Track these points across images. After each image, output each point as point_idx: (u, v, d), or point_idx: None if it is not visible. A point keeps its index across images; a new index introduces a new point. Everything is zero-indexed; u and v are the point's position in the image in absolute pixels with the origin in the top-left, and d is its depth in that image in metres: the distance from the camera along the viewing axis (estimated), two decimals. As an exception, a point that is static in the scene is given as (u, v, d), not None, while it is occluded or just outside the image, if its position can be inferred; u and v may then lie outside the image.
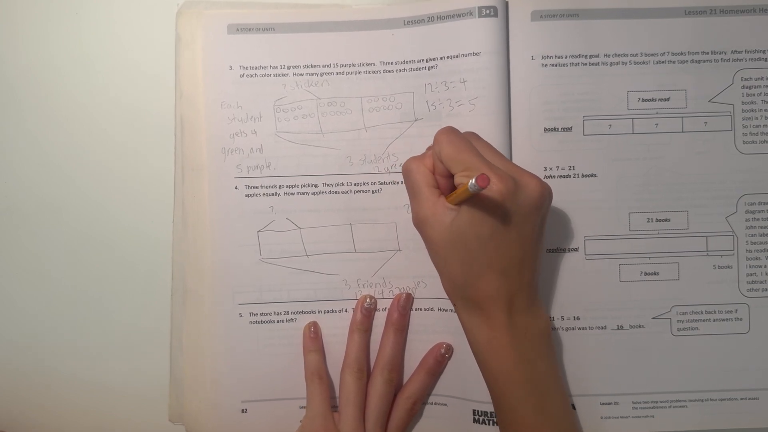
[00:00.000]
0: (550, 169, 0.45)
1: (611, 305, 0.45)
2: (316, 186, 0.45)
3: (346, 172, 0.45)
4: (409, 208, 0.45)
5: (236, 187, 0.45)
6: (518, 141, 0.45)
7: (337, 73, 0.45)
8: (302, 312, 0.46)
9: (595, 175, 0.45)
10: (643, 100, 0.45)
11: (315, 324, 0.46)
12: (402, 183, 0.45)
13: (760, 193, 0.45)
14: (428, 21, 0.45)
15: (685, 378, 0.45)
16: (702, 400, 0.45)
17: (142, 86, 0.47)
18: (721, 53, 0.45)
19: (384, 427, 0.44)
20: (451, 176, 0.39)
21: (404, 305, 0.45)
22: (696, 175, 0.45)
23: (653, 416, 0.45)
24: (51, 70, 0.47)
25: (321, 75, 0.45)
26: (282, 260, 0.45)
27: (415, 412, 0.45)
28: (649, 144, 0.45)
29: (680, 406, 0.45)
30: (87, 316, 0.47)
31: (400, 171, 0.45)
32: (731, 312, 0.45)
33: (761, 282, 0.45)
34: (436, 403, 0.46)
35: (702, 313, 0.45)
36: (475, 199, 0.37)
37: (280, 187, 0.45)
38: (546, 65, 0.45)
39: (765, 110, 0.45)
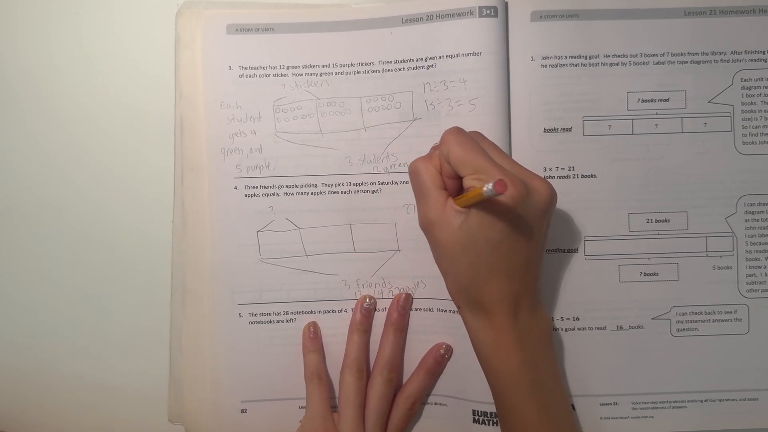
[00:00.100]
0: (550, 169, 0.45)
1: (611, 306, 0.45)
2: (315, 186, 0.45)
3: (346, 172, 0.45)
4: (409, 208, 0.45)
5: (236, 187, 0.45)
6: (518, 141, 0.45)
7: (336, 73, 0.45)
8: (302, 312, 0.46)
9: (595, 176, 0.45)
10: (643, 101, 0.45)
11: (314, 324, 0.46)
12: (402, 183, 0.45)
13: (760, 193, 0.45)
14: (427, 19, 0.45)
15: (685, 378, 0.45)
16: (701, 401, 0.45)
17: (141, 86, 0.47)
18: (720, 54, 0.45)
19: (383, 427, 0.44)
20: (458, 177, 0.39)
21: (404, 305, 0.45)
22: (695, 176, 0.45)
23: (653, 417, 0.45)
24: (51, 70, 0.47)
25: (320, 75, 0.45)
26: (281, 260, 0.45)
27: (414, 412, 0.45)
28: (648, 144, 0.45)
29: (680, 407, 0.45)
30: (87, 316, 0.47)
31: (400, 171, 0.45)
32: (731, 313, 0.45)
33: (761, 283, 0.45)
34: (435, 403, 0.46)
35: (701, 313, 0.45)
36: (486, 203, 0.37)
37: (279, 188, 0.45)
38: (546, 66, 0.45)
39: (764, 111, 0.45)
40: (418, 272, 0.45)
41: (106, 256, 0.47)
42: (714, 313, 0.45)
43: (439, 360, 0.45)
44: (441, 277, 0.42)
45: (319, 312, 0.46)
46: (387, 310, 0.45)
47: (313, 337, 0.45)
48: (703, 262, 0.45)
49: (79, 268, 0.47)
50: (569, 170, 0.45)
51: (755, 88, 0.45)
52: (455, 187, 0.40)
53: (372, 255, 0.45)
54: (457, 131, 0.39)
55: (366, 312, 0.45)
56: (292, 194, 0.45)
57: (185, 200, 0.46)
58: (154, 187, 0.47)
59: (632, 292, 0.45)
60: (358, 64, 0.45)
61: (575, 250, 0.45)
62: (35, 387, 0.47)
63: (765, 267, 0.45)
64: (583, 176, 0.45)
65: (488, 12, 0.44)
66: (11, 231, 0.47)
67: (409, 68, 0.45)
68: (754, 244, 0.45)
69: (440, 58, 0.45)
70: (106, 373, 0.47)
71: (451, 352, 0.45)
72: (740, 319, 0.45)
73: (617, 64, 0.45)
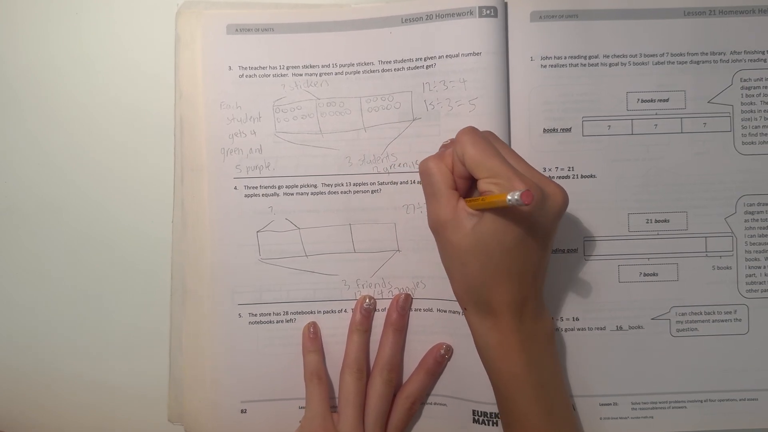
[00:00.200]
0: (550, 169, 0.45)
1: (610, 306, 0.45)
2: (315, 186, 0.45)
3: (346, 173, 0.45)
4: (409, 208, 0.45)
5: (235, 188, 0.45)
6: (517, 142, 0.45)
7: (336, 73, 0.45)
8: (301, 312, 0.46)
9: (595, 176, 0.45)
10: (643, 101, 0.45)
11: (314, 324, 0.46)
12: (401, 183, 0.45)
13: (760, 193, 0.45)
14: (427, 19, 0.45)
15: (685, 379, 0.45)
16: (701, 401, 0.45)
17: (141, 86, 0.47)
18: (720, 54, 0.45)
19: (383, 427, 0.44)
20: (470, 178, 0.39)
21: (403, 305, 0.45)
22: (695, 176, 0.45)
23: (652, 417, 0.45)
24: (51, 70, 0.47)
25: (320, 75, 0.45)
26: (281, 260, 0.45)
27: (414, 412, 0.45)
28: (648, 145, 0.45)
29: (679, 407, 0.45)
30: (87, 316, 0.47)
31: (400, 171, 0.45)
32: (730, 313, 0.45)
33: (760, 283, 0.45)
34: (435, 404, 0.46)
35: (701, 314, 0.45)
36: (502, 208, 0.36)
37: (279, 188, 0.45)
38: (545, 66, 0.45)
39: (764, 111, 0.45)
40: (418, 272, 0.45)
41: (106, 256, 0.47)
42: (714, 313, 0.45)
43: (439, 360, 0.45)
44: (441, 277, 0.42)
45: (318, 312, 0.46)
46: (386, 310, 0.45)
47: (313, 337, 0.45)
48: (702, 262, 0.45)
49: (79, 268, 0.47)
50: (569, 170, 0.45)
51: (755, 88, 0.45)
52: (466, 187, 0.40)
53: (372, 255, 0.45)
54: (472, 131, 0.39)
55: (366, 312, 0.45)
56: (292, 194, 0.45)
57: (185, 200, 0.46)
58: (154, 187, 0.47)
59: (632, 293, 0.45)
60: (358, 64, 0.45)
61: (575, 251, 0.45)
62: (35, 387, 0.47)
63: (764, 267, 0.45)
64: (582, 176, 0.45)
65: (488, 12, 0.44)
66: (11, 231, 0.47)
67: (408, 68, 0.45)
68: (753, 244, 0.45)
69: (440, 58, 0.45)
70: (106, 373, 0.47)
71: (452, 352, 0.45)
72: (740, 320, 0.45)
73: (617, 64, 0.45)
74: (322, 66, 0.45)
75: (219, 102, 0.45)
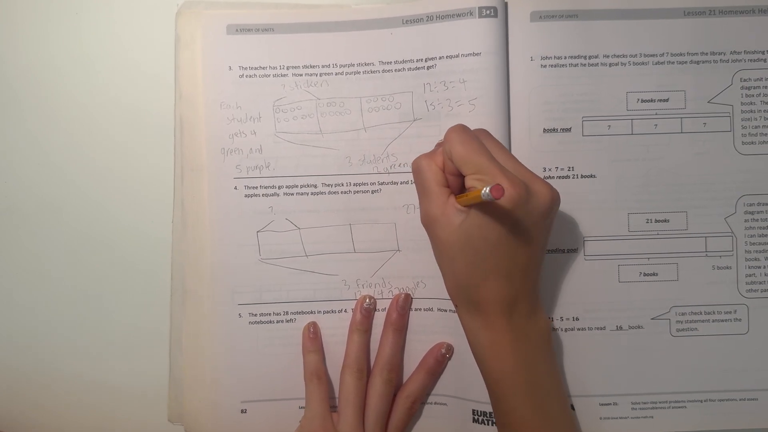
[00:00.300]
0: (550, 169, 0.45)
1: (610, 306, 0.45)
2: (315, 186, 0.45)
3: (346, 173, 0.45)
4: (409, 208, 0.45)
5: (236, 188, 0.45)
6: (517, 142, 0.45)
7: (336, 74, 0.45)
8: (302, 312, 0.46)
9: (594, 176, 0.45)
10: (643, 101, 0.45)
11: (314, 324, 0.46)
12: (401, 183, 0.45)
13: (759, 193, 0.45)
14: (427, 20, 0.45)
15: (685, 379, 0.45)
16: (701, 401, 0.45)
17: (141, 86, 0.47)
18: (720, 54, 0.45)
19: (383, 427, 0.44)
20: (461, 175, 0.39)
21: (403, 305, 0.45)
22: (695, 176, 0.45)
23: (652, 417, 0.45)
24: (51, 70, 0.47)
25: (320, 75, 0.45)
26: (281, 260, 0.45)
27: (414, 412, 0.45)
28: (648, 145, 0.45)
29: (679, 407, 0.45)
30: (87, 316, 0.47)
31: (400, 171, 0.45)
32: (730, 313, 0.45)
33: (760, 283, 0.45)
34: (435, 403, 0.46)
35: (701, 313, 0.45)
36: (486, 204, 0.37)
37: (279, 188, 0.45)
38: (545, 66, 0.45)
39: (764, 111, 0.45)
40: (418, 272, 0.45)
41: (106, 256, 0.47)
42: (713, 313, 0.45)
43: (440, 360, 0.45)
44: (441, 277, 0.42)
45: (318, 312, 0.46)
46: (386, 310, 0.45)
47: (313, 337, 0.45)
48: (702, 262, 0.45)
49: (79, 268, 0.47)
50: (569, 170, 0.45)
51: (755, 88, 0.45)
52: (458, 184, 0.40)
53: (372, 255, 0.45)
54: (461, 129, 0.39)
55: (366, 312, 0.45)
56: (292, 194, 0.45)
57: (185, 200, 0.46)
58: (154, 187, 0.47)
59: (632, 292, 0.45)
60: (358, 65, 0.45)
61: (575, 251, 0.45)
62: (35, 387, 0.47)
63: (764, 267, 0.45)
64: (582, 176, 0.45)
65: (488, 12, 0.44)
66: (11, 231, 0.47)
67: (409, 69, 0.45)
68: (753, 244, 0.45)
69: (440, 58, 0.45)
70: (106, 373, 0.47)
71: (452, 351, 0.45)
72: (740, 319, 0.45)
73: (617, 64, 0.45)
74: (323, 66, 0.45)
75: (219, 102, 0.45)
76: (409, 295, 0.45)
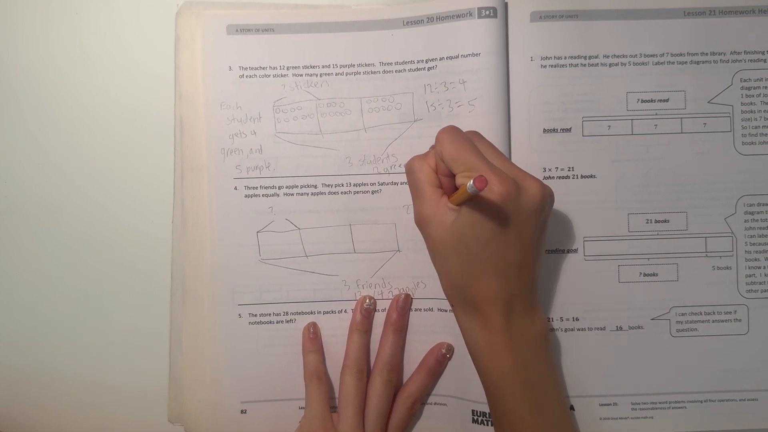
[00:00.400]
0: (550, 170, 0.45)
1: (610, 306, 0.45)
2: (315, 187, 0.45)
3: (346, 173, 0.45)
4: (409, 208, 0.45)
5: (236, 188, 0.45)
6: (517, 142, 0.45)
7: (336, 74, 0.45)
8: (302, 312, 0.46)
9: (595, 176, 0.45)
10: (643, 101, 0.45)
11: (314, 324, 0.46)
12: (402, 183, 0.45)
13: (759, 194, 0.45)
14: (428, 21, 0.45)
15: (685, 379, 0.45)
16: (701, 401, 0.45)
17: (141, 86, 0.47)
18: (720, 54, 0.45)
19: (383, 427, 0.44)
20: (453, 176, 0.39)
21: (403, 306, 0.45)
22: (695, 176, 0.45)
23: (652, 417, 0.45)
24: (51, 70, 0.47)
25: (320, 76, 0.45)
26: (281, 261, 0.45)
27: (414, 412, 0.45)
28: (648, 145, 0.45)
29: (679, 407, 0.45)
30: (87, 316, 0.47)
31: (400, 171, 0.45)
32: (730, 313, 0.45)
33: (760, 283, 0.45)
34: (435, 403, 0.46)
35: (701, 314, 0.45)
36: (476, 201, 0.37)
37: (279, 188, 0.45)
38: (545, 66, 0.45)
39: (764, 111, 0.45)
40: (418, 272, 0.45)
41: (106, 256, 0.47)
42: (713, 313, 0.45)
43: (440, 360, 0.45)
44: (440, 277, 0.42)
45: (318, 312, 0.46)
46: (386, 310, 0.45)
47: (313, 337, 0.45)
48: (702, 262, 0.45)
49: (79, 268, 0.47)
50: (569, 171, 0.45)
51: (755, 88, 0.45)
52: (451, 185, 0.40)
53: (372, 255, 0.45)
54: (452, 130, 0.40)
55: (366, 312, 0.45)
56: (292, 195, 0.45)
57: (185, 200, 0.46)
58: (154, 187, 0.47)
59: (632, 293, 0.45)
60: (359, 65, 0.45)
61: (575, 251, 0.45)
62: (35, 387, 0.47)
63: (764, 267, 0.45)
64: (582, 177, 0.45)
65: (487, 13, 0.44)
66: (11, 231, 0.47)
67: (409, 69, 0.45)
68: (753, 244, 0.45)
69: (441, 59, 0.45)
70: (106, 373, 0.47)
71: (452, 351, 0.45)
72: (740, 320, 0.45)
73: (617, 64, 0.45)
74: (323, 66, 0.45)
75: (219, 102, 0.45)
76: (409, 295, 0.45)
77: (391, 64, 0.45)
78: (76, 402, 0.47)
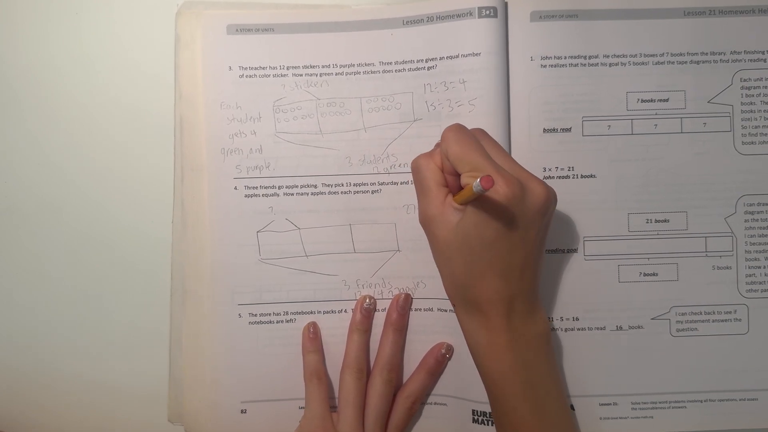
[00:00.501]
0: (550, 169, 0.45)
1: (610, 306, 0.45)
2: (315, 186, 0.45)
3: (346, 173, 0.45)
4: (409, 208, 0.45)
5: (236, 188, 0.45)
6: (517, 142, 0.45)
7: (336, 74, 0.45)
8: (301, 312, 0.46)
9: (594, 176, 0.45)
10: (642, 101, 0.45)
11: (314, 324, 0.46)
12: (401, 183, 0.45)
13: (759, 194, 0.45)
14: (428, 21, 0.45)
15: (685, 379, 0.45)
16: (701, 401, 0.45)
17: (141, 86, 0.47)
18: (720, 54, 0.45)
19: (383, 427, 0.44)
20: (459, 174, 0.39)
21: (403, 305, 0.45)
22: (695, 176, 0.45)
23: (652, 417, 0.45)
24: (51, 70, 0.47)
25: (320, 75, 0.45)
26: (281, 261, 0.45)
27: (414, 412, 0.45)
28: (648, 145, 0.45)
29: (679, 407, 0.45)
30: (87, 316, 0.47)
31: (400, 171, 0.45)
32: (730, 313, 0.45)
33: (760, 283, 0.45)
34: (435, 403, 0.46)
35: (701, 314, 0.45)
36: (481, 202, 0.37)
37: (279, 188, 0.45)
38: (545, 66, 0.45)
39: (764, 111, 0.45)
40: (418, 272, 0.45)
41: (106, 256, 0.47)
42: (713, 313, 0.45)
43: (440, 360, 0.45)
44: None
45: (318, 312, 0.46)
46: (386, 310, 0.45)
47: (313, 337, 0.45)
48: (702, 262, 0.45)
49: (79, 268, 0.47)
50: (569, 170, 0.45)
51: (755, 88, 0.45)
52: (456, 184, 0.40)
53: (372, 255, 0.45)
54: (458, 128, 0.39)
55: (366, 312, 0.45)
56: (292, 194, 0.45)
57: (185, 200, 0.46)
58: (154, 187, 0.47)
59: (632, 293, 0.45)
60: (359, 65, 0.45)
61: (575, 251, 0.45)
62: (35, 387, 0.47)
63: (764, 267, 0.45)
64: (582, 176, 0.45)
65: (487, 12, 0.44)
66: (11, 231, 0.47)
67: (409, 69, 0.45)
68: (753, 244, 0.45)
69: (441, 59, 0.45)
70: (106, 373, 0.47)
71: (452, 351, 0.45)
72: (740, 320, 0.45)
73: (617, 64, 0.45)
74: (323, 66, 0.45)
75: (219, 102, 0.45)
76: (409, 295, 0.45)
77: (391, 63, 0.45)
78: (76, 402, 0.47)
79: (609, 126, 0.45)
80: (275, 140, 0.45)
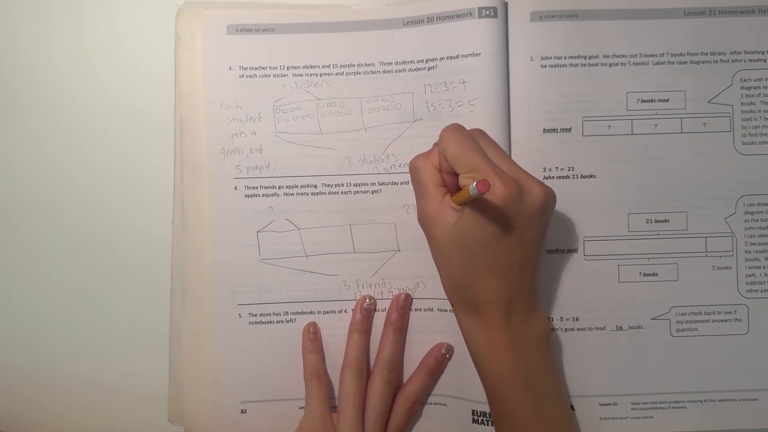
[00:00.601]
0: (550, 170, 0.45)
1: (610, 306, 0.45)
2: (315, 186, 0.45)
3: (346, 173, 0.45)
4: (409, 208, 0.45)
5: (236, 188, 0.45)
6: (517, 142, 0.45)
7: (336, 74, 0.45)
8: (301, 312, 0.46)
9: (594, 176, 0.45)
10: (643, 101, 0.45)
11: (314, 324, 0.46)
12: (402, 183, 0.45)
13: (759, 194, 0.45)
14: (428, 21, 0.45)
15: (685, 379, 0.45)
16: (701, 401, 0.45)
17: (141, 86, 0.47)
18: (720, 54, 0.45)
19: (383, 427, 0.44)
20: (457, 174, 0.39)
21: (403, 305, 0.45)
22: (695, 176, 0.45)
23: (652, 417, 0.45)
24: (51, 70, 0.47)
25: (320, 75, 0.45)
26: (281, 261, 0.45)
27: (414, 412, 0.45)
28: (648, 145, 0.45)
29: (679, 407, 0.45)
30: (87, 316, 0.47)
31: (400, 171, 0.45)
32: (730, 313, 0.45)
33: (760, 283, 0.45)
34: (435, 403, 0.46)
35: (701, 314, 0.45)
36: (479, 203, 0.37)
37: (279, 188, 0.45)
38: (545, 66, 0.45)
39: (764, 111, 0.45)
40: (418, 272, 0.45)
41: (106, 256, 0.47)
42: (713, 313, 0.45)
43: (440, 360, 0.45)
44: (441, 277, 0.42)
45: (318, 312, 0.46)
46: (386, 310, 0.45)
47: (313, 337, 0.45)
48: (702, 262, 0.45)
49: (79, 268, 0.47)
50: (569, 170, 0.45)
51: (755, 88, 0.45)
52: (454, 183, 0.40)
53: (372, 255, 0.45)
54: (456, 128, 0.40)
55: (366, 312, 0.45)
56: (292, 195, 0.45)
57: (185, 200, 0.46)
58: (154, 187, 0.47)
59: (632, 293, 0.45)
60: (359, 65, 0.45)
61: (575, 251, 0.45)
62: (35, 387, 0.47)
63: (764, 267, 0.45)
64: (582, 176, 0.45)
65: (487, 13, 0.44)
66: (11, 231, 0.47)
67: (410, 69, 0.45)
68: (753, 244, 0.45)
69: (441, 59, 0.45)
70: (106, 373, 0.47)
71: (452, 352, 0.45)
72: (740, 320, 0.45)
73: (617, 64, 0.45)
74: (323, 66, 0.45)
75: (219, 102, 0.45)
76: (410, 295, 0.45)
77: (391, 64, 0.45)
78: (76, 402, 0.47)
79: (609, 126, 0.45)
80: (275, 140, 0.45)
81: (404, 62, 0.45)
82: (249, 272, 0.45)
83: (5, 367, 0.47)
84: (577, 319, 0.45)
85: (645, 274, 0.45)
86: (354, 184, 0.45)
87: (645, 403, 0.45)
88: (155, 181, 0.47)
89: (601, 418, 0.45)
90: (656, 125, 0.45)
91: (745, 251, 0.45)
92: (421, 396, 0.45)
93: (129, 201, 0.47)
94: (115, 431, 0.47)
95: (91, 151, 0.47)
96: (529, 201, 0.38)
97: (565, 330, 0.45)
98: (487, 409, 0.44)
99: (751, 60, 0.45)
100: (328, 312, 0.46)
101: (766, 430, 0.45)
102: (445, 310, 0.45)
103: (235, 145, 0.45)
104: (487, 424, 0.44)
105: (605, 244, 0.45)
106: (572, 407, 0.45)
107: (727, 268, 0.45)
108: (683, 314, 0.45)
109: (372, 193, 0.45)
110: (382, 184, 0.45)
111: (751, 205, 0.45)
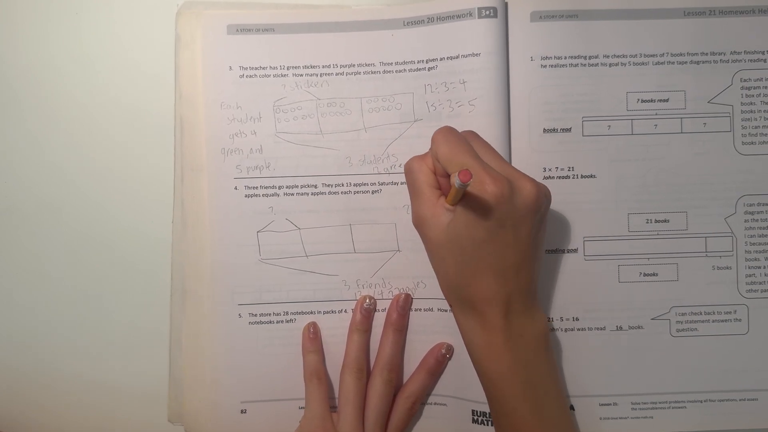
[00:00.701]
0: (549, 170, 0.45)
1: (610, 306, 0.45)
2: (315, 186, 0.45)
3: (346, 173, 0.45)
4: (409, 208, 0.45)
5: (236, 188, 0.45)
6: (517, 142, 0.45)
7: (336, 74, 0.45)
8: (301, 312, 0.46)
9: (594, 176, 0.45)
10: (642, 101, 0.45)
11: (314, 324, 0.46)
12: (402, 183, 0.45)
13: (759, 194, 0.45)
14: (428, 22, 0.45)
15: (685, 379, 0.45)
16: (701, 401, 0.45)
17: (141, 86, 0.47)
18: (720, 54, 0.45)
19: (383, 427, 0.44)
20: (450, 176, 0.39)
21: (403, 305, 0.45)
22: (695, 176, 0.45)
23: (652, 417, 0.45)
24: (51, 70, 0.47)
25: (320, 75, 0.45)
26: (281, 261, 0.45)
27: (414, 412, 0.45)
28: (648, 145, 0.45)
29: (679, 407, 0.45)
30: (87, 316, 0.47)
31: (400, 172, 0.45)
32: (730, 313, 0.45)
33: (760, 283, 0.45)
34: (435, 404, 0.46)
35: (701, 314, 0.45)
36: (471, 201, 0.37)
37: (279, 188, 0.45)
38: (545, 66, 0.45)
39: (764, 111, 0.45)
40: (418, 272, 0.45)
41: (106, 256, 0.47)
42: (713, 313, 0.45)
43: (440, 360, 0.45)
44: (440, 277, 0.42)
45: (318, 312, 0.46)
46: (387, 310, 0.45)
47: (313, 337, 0.45)
48: (702, 262, 0.45)
49: (79, 268, 0.47)
50: (569, 171, 0.45)
51: (755, 88, 0.45)
52: (448, 185, 0.40)
53: (372, 255, 0.45)
54: (447, 130, 0.40)
55: (366, 312, 0.45)
56: (292, 195, 0.45)
57: (185, 200, 0.46)
58: (154, 187, 0.47)
59: (632, 293, 0.45)
60: (359, 65, 0.45)
61: (575, 251, 0.45)
62: (35, 387, 0.47)
63: (764, 267, 0.45)
64: (582, 176, 0.45)
65: (487, 13, 0.44)
66: (11, 231, 0.47)
67: (410, 70, 0.45)
68: (753, 244, 0.45)
69: (441, 59, 0.45)
70: (106, 373, 0.47)
71: (452, 351, 0.45)
72: (740, 320, 0.45)
73: (617, 64, 0.45)
74: (323, 66, 0.45)
75: (219, 102, 0.45)
76: (410, 295, 0.45)
77: (391, 64, 0.45)
78: (76, 402, 0.47)
79: (609, 126, 0.45)
80: (275, 140, 0.45)
81: (404, 62, 0.45)
82: (249, 272, 0.45)
83: (5, 367, 0.47)
84: (577, 319, 0.45)
85: (645, 274, 0.45)
86: (354, 184, 0.45)
87: (645, 403, 0.45)
88: (155, 181, 0.47)
89: (601, 418, 0.45)
90: (656, 125, 0.45)
91: (745, 251, 0.45)
92: (421, 396, 0.45)
93: (129, 201, 0.47)
94: (115, 431, 0.47)
95: (91, 151, 0.47)
96: (521, 198, 0.38)
97: (565, 330, 0.45)
98: (487, 409, 0.44)
99: (751, 60, 0.45)
100: (328, 312, 0.46)
101: (766, 430, 0.45)
102: (445, 310, 0.45)
103: (235, 145, 0.45)
104: (487, 424, 0.44)
105: (605, 244, 0.45)
106: (572, 407, 0.45)
107: (727, 268, 0.45)
108: (683, 314, 0.45)
109: (372, 193, 0.45)
110: (382, 184, 0.45)
111: (751, 205, 0.45)
